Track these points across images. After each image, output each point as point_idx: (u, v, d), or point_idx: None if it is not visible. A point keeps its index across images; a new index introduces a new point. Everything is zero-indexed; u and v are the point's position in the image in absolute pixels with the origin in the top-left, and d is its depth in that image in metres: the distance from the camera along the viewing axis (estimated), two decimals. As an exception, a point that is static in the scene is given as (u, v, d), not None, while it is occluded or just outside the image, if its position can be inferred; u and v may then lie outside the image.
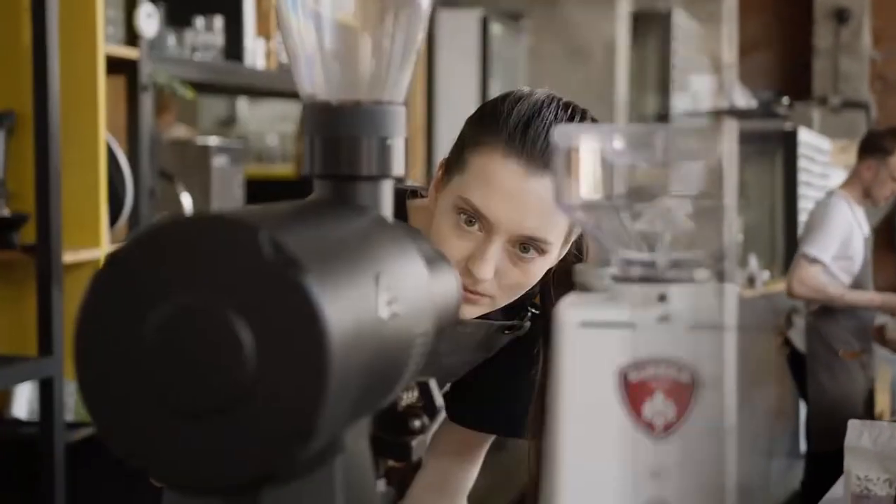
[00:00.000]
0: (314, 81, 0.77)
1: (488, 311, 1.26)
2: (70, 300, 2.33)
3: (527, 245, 1.20)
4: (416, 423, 0.83)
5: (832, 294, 4.08)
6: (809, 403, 4.15)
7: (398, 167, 0.77)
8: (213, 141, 3.06)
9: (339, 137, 0.76)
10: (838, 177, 8.02)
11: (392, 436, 0.82)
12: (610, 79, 5.54)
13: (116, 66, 2.55)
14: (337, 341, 0.59)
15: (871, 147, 4.10)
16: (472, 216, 1.20)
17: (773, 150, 6.90)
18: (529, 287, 1.25)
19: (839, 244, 4.06)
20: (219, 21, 2.97)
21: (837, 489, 2.10)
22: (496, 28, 5.40)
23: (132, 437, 0.61)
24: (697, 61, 7.77)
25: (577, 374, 0.67)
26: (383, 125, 0.76)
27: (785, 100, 6.61)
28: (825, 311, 4.16)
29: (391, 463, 0.83)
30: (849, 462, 1.91)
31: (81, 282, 2.41)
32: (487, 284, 1.21)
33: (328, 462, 0.66)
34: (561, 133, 0.68)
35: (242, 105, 4.94)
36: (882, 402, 4.54)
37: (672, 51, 7.08)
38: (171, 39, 2.84)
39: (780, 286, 6.04)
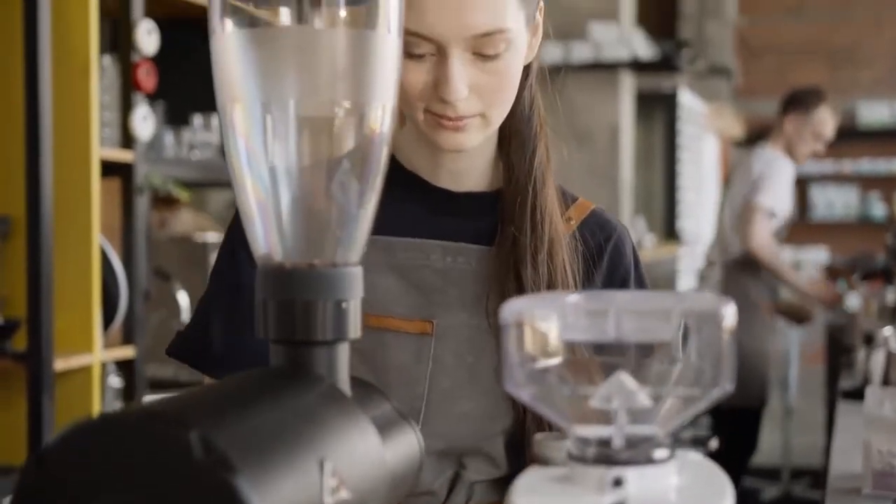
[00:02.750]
0: (269, 242, 0.76)
1: (485, 133, 1.14)
2: (62, 409, 2.30)
3: (487, 46, 1.08)
4: None
5: (780, 266, 4.08)
6: None
7: (355, 329, 0.75)
8: (211, 237, 3.06)
9: (293, 301, 0.74)
10: (710, 140, 8.09)
11: None
12: (615, 161, 5.55)
13: (112, 168, 2.55)
14: (271, 543, 0.56)
15: (795, 103, 4.17)
16: (415, 43, 1.07)
17: (653, 110, 6.92)
18: (515, 88, 1.13)
19: (784, 199, 4.08)
20: (216, 119, 2.99)
21: (854, 464, 1.87)
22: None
23: None
24: (703, 138, 7.81)
25: (530, 563, 0.64)
26: (339, 288, 0.74)
27: (687, 52, 6.54)
28: (747, 262, 4.11)
29: None
30: (868, 435, 1.73)
31: (74, 389, 2.39)
32: (468, 104, 1.10)
33: None
34: (509, 309, 0.66)
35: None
36: None
37: (678, 130, 7.11)
38: (169, 138, 2.85)
39: (665, 250, 6.02)
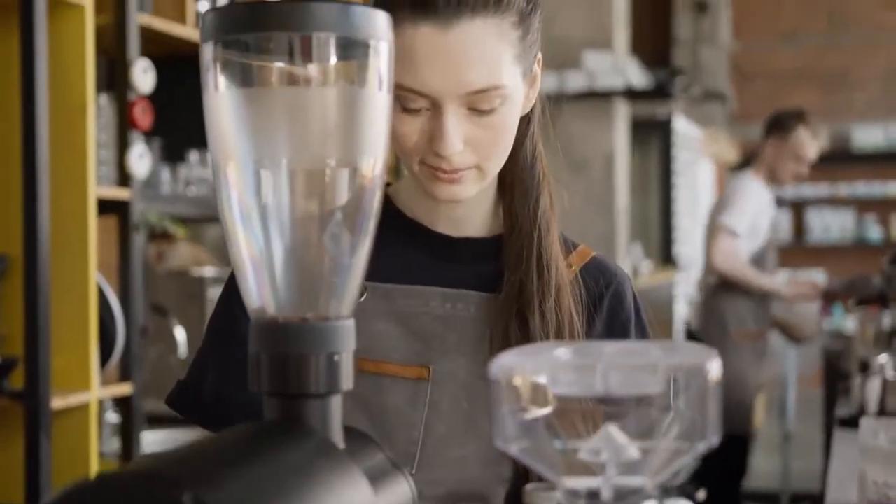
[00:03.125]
0: (262, 296, 0.77)
1: (481, 184, 1.15)
2: (59, 446, 2.31)
3: (482, 102, 1.09)
4: None
5: (749, 276, 4.06)
6: None
7: (347, 381, 0.76)
8: (208, 272, 3.07)
9: (286, 355, 0.75)
10: (706, 165, 8.15)
11: None
12: (610, 189, 5.57)
13: (108, 206, 2.57)
14: None
15: (774, 126, 4.19)
16: (410, 98, 1.09)
17: (648, 137, 6.95)
18: (510, 140, 1.14)
19: (750, 220, 4.07)
20: (213, 154, 3.00)
21: (850, 494, 1.89)
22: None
23: None
24: (698, 163, 7.85)
25: None
26: (332, 341, 0.75)
27: (680, 80, 6.56)
28: (723, 288, 4.11)
29: None
30: (863, 465, 1.74)
31: (71, 427, 2.39)
32: (463, 156, 1.11)
33: None
34: (498, 365, 0.67)
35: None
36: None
37: (673, 157, 7.15)
38: (166, 174, 2.87)
39: (662, 276, 6.03)
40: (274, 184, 0.75)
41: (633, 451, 0.68)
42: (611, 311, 1.24)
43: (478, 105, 1.10)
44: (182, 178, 2.93)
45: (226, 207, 0.76)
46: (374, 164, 0.77)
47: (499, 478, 1.18)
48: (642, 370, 0.67)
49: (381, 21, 0.75)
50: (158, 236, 3.29)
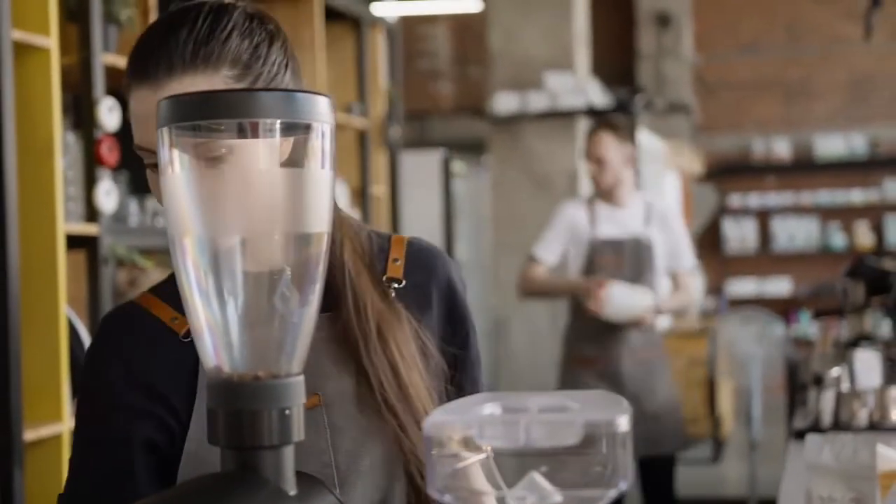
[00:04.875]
0: (218, 356, 0.83)
1: None
2: (32, 478, 2.36)
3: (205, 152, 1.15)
4: None
5: (549, 283, 4.09)
6: None
7: (298, 433, 0.83)
8: (176, 301, 3.11)
9: (240, 411, 0.81)
10: (672, 178, 8.24)
11: None
12: (574, 206, 5.65)
13: (77, 241, 2.62)
14: None
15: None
16: (146, 155, 1.17)
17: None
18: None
19: (565, 244, 4.08)
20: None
21: None
22: (458, 165, 5.57)
23: None
24: (663, 176, 7.94)
25: None
26: (282, 397, 0.82)
27: (640, 97, 6.60)
28: (569, 316, 4.14)
29: None
30: (809, 480, 1.79)
31: (44, 458, 2.44)
32: None
33: None
34: (430, 422, 0.74)
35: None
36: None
37: (638, 170, 7.22)
38: (134, 207, 2.92)
39: None
40: (227, 254, 0.82)
41: (556, 496, 0.75)
42: (447, 294, 1.33)
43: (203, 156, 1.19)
44: (150, 210, 2.99)
45: (183, 276, 0.83)
46: (319, 231, 0.84)
47: (398, 474, 1.27)
48: (561, 425, 0.74)
49: (322, 106, 0.82)
50: (130, 264, 3.33)
